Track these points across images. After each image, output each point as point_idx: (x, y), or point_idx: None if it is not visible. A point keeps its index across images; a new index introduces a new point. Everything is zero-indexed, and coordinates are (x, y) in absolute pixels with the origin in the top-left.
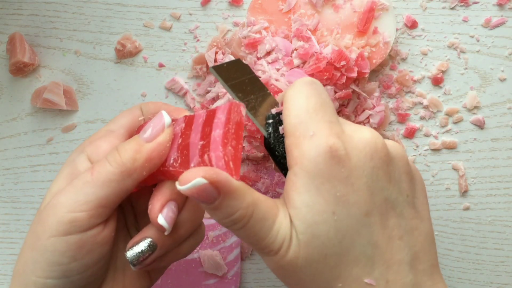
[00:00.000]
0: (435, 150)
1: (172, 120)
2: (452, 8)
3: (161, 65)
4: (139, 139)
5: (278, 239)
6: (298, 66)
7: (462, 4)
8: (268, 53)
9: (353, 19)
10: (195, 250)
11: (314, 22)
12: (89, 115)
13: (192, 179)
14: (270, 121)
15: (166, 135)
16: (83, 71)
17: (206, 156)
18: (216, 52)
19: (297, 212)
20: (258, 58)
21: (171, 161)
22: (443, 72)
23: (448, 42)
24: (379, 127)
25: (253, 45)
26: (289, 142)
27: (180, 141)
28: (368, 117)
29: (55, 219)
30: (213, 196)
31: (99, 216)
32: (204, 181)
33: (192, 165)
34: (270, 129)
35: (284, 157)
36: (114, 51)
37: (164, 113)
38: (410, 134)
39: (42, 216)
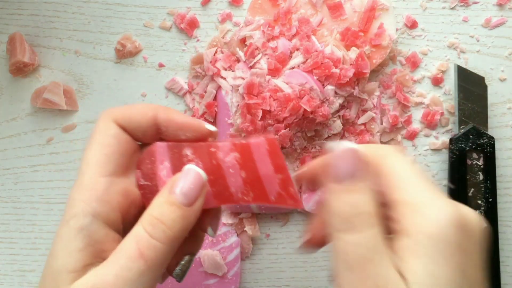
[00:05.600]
0: (435, 150)
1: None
2: (452, 8)
3: (161, 65)
4: (179, 203)
5: (390, 270)
6: (298, 66)
7: (462, 4)
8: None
9: (353, 19)
10: None
11: (317, 20)
12: (89, 115)
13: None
14: None
15: (203, 196)
16: (83, 71)
17: (291, 189)
18: (216, 52)
19: (417, 280)
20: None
21: (239, 195)
22: (443, 72)
23: (448, 42)
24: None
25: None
26: (403, 210)
27: (244, 174)
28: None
29: None
30: (356, 166)
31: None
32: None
33: (272, 198)
34: None
35: None
36: (114, 51)
37: (199, 170)
38: (411, 137)
39: None
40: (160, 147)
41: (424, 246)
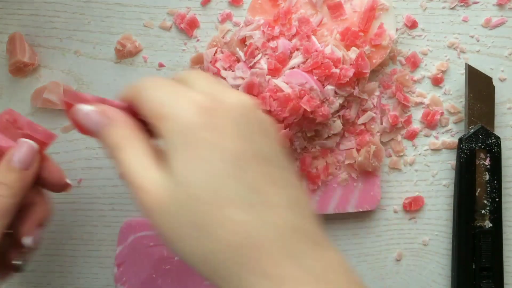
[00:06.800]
0: (435, 150)
1: None
2: (452, 8)
3: (161, 65)
4: (17, 169)
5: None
6: (298, 66)
7: (462, 4)
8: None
9: (353, 19)
10: None
11: (317, 20)
12: None
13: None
14: None
15: (37, 160)
16: (83, 71)
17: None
18: (216, 52)
19: (176, 172)
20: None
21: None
22: (443, 72)
23: (448, 42)
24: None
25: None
26: (158, 124)
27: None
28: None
29: None
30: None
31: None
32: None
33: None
34: None
35: None
36: (114, 51)
37: (31, 142)
38: (411, 136)
39: None
40: None
41: (173, 144)
